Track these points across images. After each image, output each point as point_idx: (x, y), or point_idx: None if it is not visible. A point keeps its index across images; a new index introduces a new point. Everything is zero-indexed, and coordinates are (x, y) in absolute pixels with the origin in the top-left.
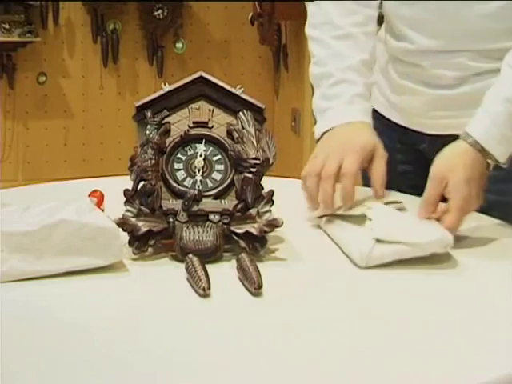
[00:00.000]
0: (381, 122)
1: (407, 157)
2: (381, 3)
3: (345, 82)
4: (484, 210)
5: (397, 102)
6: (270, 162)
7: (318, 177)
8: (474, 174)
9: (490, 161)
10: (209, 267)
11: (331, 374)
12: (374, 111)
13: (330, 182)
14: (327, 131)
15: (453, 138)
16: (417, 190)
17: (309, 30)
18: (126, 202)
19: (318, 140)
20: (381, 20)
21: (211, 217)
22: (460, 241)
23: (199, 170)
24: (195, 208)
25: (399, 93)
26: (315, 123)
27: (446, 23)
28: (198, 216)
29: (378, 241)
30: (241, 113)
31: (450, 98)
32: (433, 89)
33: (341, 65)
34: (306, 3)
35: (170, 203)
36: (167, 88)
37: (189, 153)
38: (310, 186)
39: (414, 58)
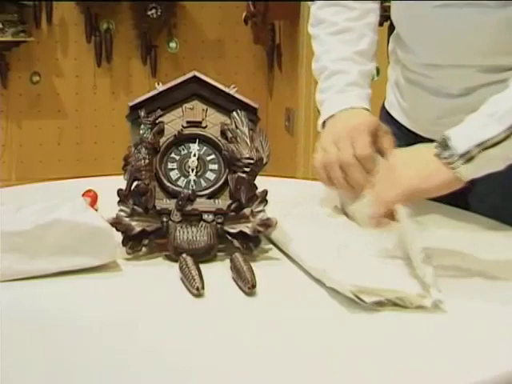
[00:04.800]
0: (393, 125)
1: None
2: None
3: (337, 73)
4: None
5: (406, 108)
6: (264, 162)
7: (339, 166)
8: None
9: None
10: (202, 267)
11: (329, 374)
12: (387, 114)
13: (357, 168)
14: (324, 122)
15: None
16: None
17: (309, 28)
18: (119, 201)
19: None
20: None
21: (205, 216)
22: (460, 240)
23: (193, 170)
24: (189, 208)
25: (408, 99)
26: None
27: (454, 40)
28: (192, 216)
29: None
30: (234, 112)
31: (457, 107)
32: (440, 97)
33: (333, 57)
34: (309, 4)
35: (164, 203)
36: (161, 88)
37: (182, 152)
38: (336, 177)
39: (421, 69)
